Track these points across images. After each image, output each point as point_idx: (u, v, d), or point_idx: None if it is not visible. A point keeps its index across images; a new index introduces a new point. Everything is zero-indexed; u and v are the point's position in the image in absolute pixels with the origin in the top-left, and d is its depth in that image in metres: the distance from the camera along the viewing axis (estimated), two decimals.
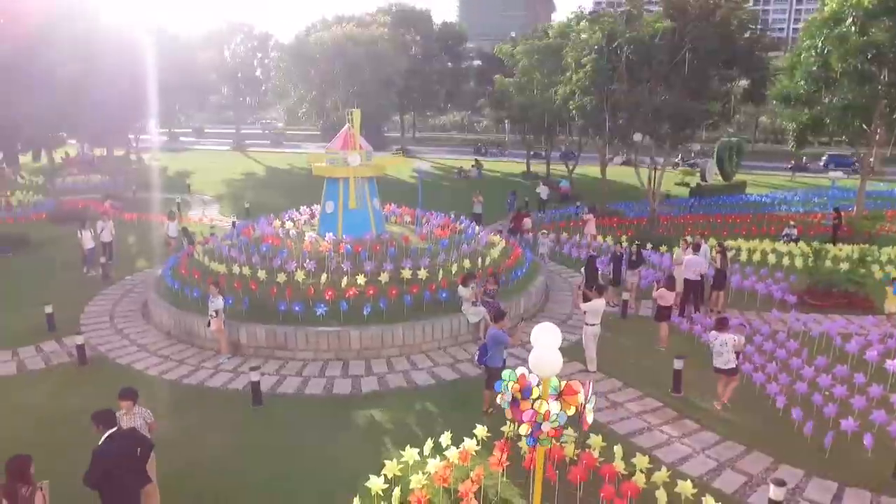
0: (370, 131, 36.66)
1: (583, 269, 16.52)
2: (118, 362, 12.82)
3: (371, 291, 13.77)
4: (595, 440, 9.32)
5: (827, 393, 11.09)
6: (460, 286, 14.00)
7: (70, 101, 24.29)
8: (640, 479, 8.35)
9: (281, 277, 14.14)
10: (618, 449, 9.02)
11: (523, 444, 8.91)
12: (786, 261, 19.67)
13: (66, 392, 11.49)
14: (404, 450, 8.70)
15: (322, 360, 12.97)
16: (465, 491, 7.79)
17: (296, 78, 34.60)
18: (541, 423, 6.75)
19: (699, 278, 15.44)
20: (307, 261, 14.63)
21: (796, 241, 22.23)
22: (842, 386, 11.08)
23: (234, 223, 24.77)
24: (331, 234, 16.00)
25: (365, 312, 13.29)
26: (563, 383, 7.44)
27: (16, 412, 10.73)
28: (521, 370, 7.05)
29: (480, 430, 9.40)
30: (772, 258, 19.92)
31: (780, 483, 7.77)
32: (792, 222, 24.39)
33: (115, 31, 29.45)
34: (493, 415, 10.28)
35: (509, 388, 7.02)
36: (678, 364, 11.62)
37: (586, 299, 12.76)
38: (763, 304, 16.40)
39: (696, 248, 15.75)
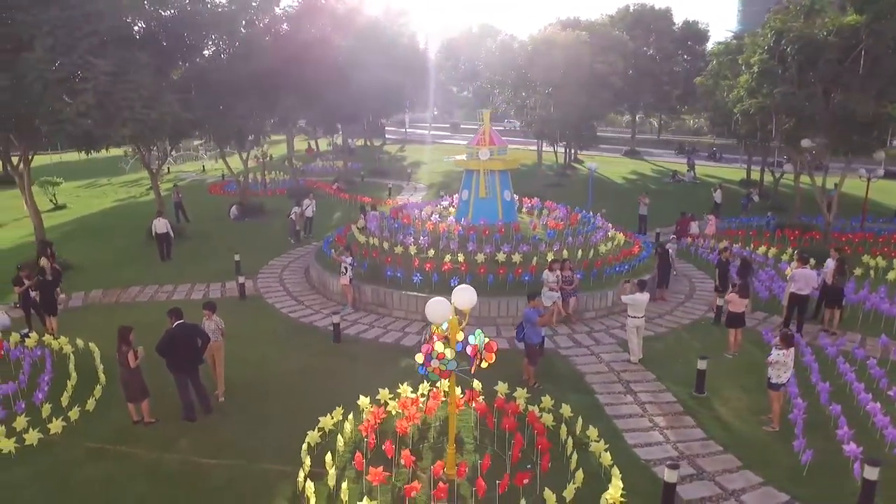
0: (576, 131, 38.05)
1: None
2: (267, 300, 16.86)
3: (463, 268, 15.84)
4: (564, 408, 10.36)
5: (871, 420, 10.30)
6: (546, 270, 15.23)
7: (353, 99, 29.94)
8: (570, 444, 9.30)
9: (398, 249, 16.94)
10: (580, 421, 10.00)
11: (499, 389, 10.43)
12: None
13: (222, 312, 15.59)
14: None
15: (410, 320, 15.46)
16: (411, 416, 9.68)
17: (497, 80, 37.34)
18: (432, 358, 8.35)
19: (807, 293, 14.41)
20: (422, 237, 17.20)
21: None
22: (885, 416, 10.20)
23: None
24: (451, 218, 18.35)
25: (452, 284, 15.38)
26: (487, 340, 8.94)
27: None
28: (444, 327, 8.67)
29: (477, 384, 11.07)
30: None
31: (674, 466, 8.18)
32: None
33: (392, 37, 35.45)
34: (539, 388, 11.57)
35: (431, 333, 8.78)
36: (701, 364, 11.68)
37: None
38: None
39: (806, 262, 14.63)
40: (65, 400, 10.85)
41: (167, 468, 9.38)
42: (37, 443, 9.77)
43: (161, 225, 21.01)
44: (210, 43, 22.90)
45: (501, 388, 11.07)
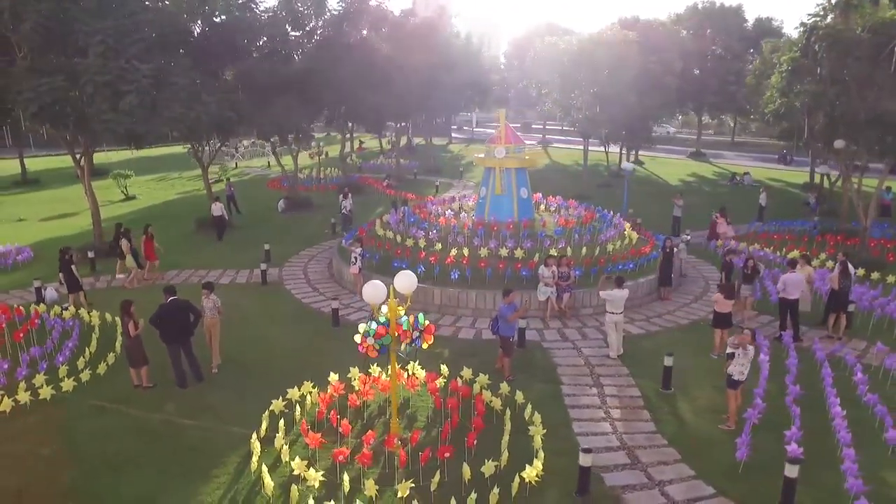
0: (630, 130, 37.62)
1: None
2: (286, 287, 18.07)
3: (465, 261, 16.46)
4: (518, 395, 10.87)
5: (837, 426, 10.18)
6: (542, 266, 15.62)
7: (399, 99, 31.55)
8: (508, 426, 9.80)
9: (409, 242, 17.76)
10: (529, 407, 10.49)
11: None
12: None
13: (242, 295, 17.07)
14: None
15: (410, 308, 16.18)
16: (364, 392, 10.49)
17: (541, 80, 37.39)
18: (370, 335, 9.10)
19: (795, 298, 14.13)
20: (432, 232, 17.94)
21: None
22: (844, 420, 10.08)
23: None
24: (463, 213, 18.96)
25: (453, 277, 16.05)
26: (426, 323, 9.65)
27: (230, 296, 16.31)
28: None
29: (444, 370, 11.75)
30: None
31: (587, 451, 8.54)
32: None
33: (445, 37, 36.79)
34: (513, 381, 11.89)
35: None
36: (668, 361, 11.82)
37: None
38: None
39: (794, 266, 14.43)
40: (81, 364, 12.32)
41: (152, 426, 10.59)
42: (49, 398, 11.23)
43: (217, 209, 23.91)
44: (256, 46, 24.49)
45: (466, 373, 11.67)
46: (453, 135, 69.44)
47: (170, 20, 19.20)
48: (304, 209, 28.93)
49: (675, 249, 17.60)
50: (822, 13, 19.00)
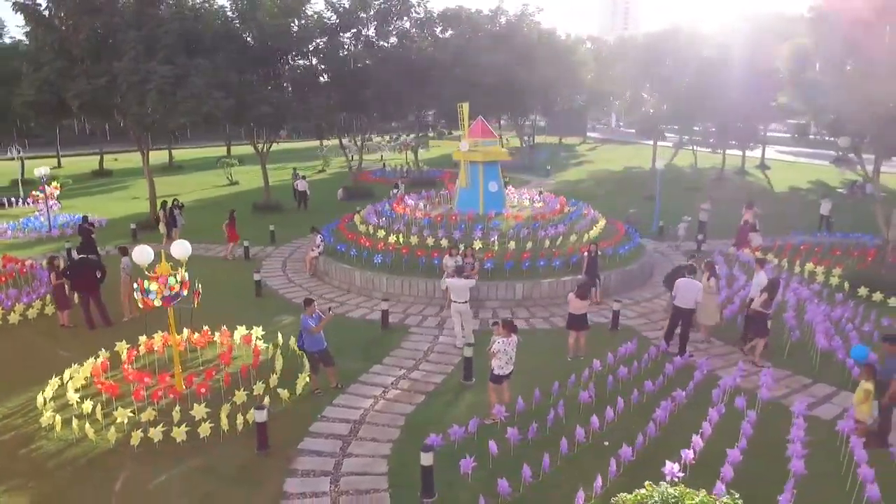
0: (726, 131, 34.71)
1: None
2: (262, 263, 20.34)
3: (392, 248, 17.45)
4: (303, 374, 11.88)
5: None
6: (447, 256, 16.04)
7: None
8: (260, 387, 10.96)
9: (362, 229, 19.15)
10: (303, 374, 11.50)
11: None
12: None
13: (217, 266, 19.65)
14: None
15: (338, 288, 17.61)
16: (176, 344, 12.26)
17: (598, 76, 35.38)
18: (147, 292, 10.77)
19: (689, 308, 13.01)
20: (381, 220, 19.16)
21: None
22: (582, 428, 9.69)
23: None
24: (421, 204, 19.78)
25: (376, 261, 17.13)
26: (199, 287, 11.20)
27: (209, 268, 18.97)
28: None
29: (279, 337, 13.13)
30: None
31: (261, 408, 9.42)
32: None
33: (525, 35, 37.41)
34: (320, 395, 11.44)
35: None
36: (468, 352, 11.92)
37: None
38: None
39: (693, 272, 13.30)
40: (37, 305, 15.58)
41: (37, 350, 13.41)
42: None
43: (301, 185, 30.09)
44: (302, 50, 27.23)
45: (293, 342, 12.84)
46: (588, 134, 67.91)
47: (193, 29, 22.38)
48: (361, 198, 31.21)
49: (600, 253, 16.82)
50: None
